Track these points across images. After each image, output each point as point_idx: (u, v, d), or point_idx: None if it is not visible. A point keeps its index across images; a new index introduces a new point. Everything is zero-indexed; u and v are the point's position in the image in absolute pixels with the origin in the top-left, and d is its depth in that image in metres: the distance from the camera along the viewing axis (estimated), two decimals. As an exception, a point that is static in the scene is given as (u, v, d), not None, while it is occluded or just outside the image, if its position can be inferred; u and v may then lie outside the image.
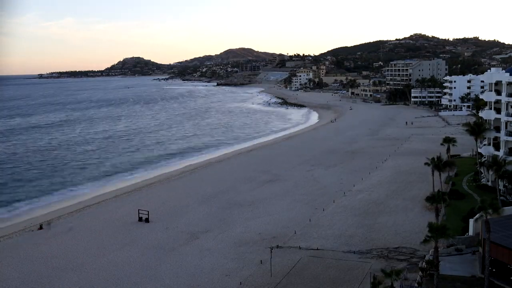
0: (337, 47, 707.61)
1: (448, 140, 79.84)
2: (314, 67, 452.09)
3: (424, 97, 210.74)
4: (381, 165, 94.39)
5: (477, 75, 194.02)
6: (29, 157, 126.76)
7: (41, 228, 65.05)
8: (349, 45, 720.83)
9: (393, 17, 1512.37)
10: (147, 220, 65.39)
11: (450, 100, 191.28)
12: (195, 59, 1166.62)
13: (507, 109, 67.34)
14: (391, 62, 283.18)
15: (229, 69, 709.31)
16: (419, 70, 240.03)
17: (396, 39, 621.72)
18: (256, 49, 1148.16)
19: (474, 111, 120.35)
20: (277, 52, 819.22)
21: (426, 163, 66.28)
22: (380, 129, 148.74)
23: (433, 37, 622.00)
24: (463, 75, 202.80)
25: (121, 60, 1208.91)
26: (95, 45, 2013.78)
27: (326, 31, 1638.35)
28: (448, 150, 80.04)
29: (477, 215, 46.36)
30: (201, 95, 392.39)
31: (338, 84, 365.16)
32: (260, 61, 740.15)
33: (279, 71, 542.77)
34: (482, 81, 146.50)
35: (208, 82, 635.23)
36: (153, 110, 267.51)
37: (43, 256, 54.25)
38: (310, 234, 57.21)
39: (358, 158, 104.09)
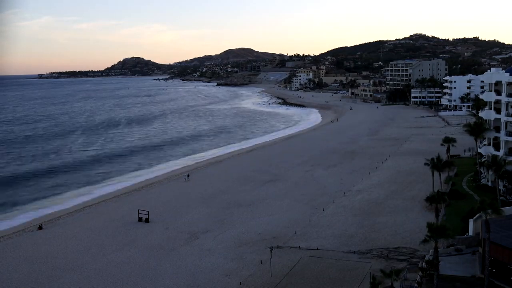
0: (337, 47, 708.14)
1: (448, 140, 79.91)
2: (314, 67, 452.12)
3: (424, 97, 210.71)
4: (381, 165, 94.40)
5: (477, 75, 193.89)
6: (30, 156, 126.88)
7: (41, 228, 65.05)
8: (349, 45, 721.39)
9: (393, 17, 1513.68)
10: (147, 220, 65.39)
11: (450, 100, 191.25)
12: (195, 59, 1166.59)
13: (507, 109, 67.36)
14: (391, 62, 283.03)
15: (229, 69, 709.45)
16: (419, 70, 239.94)
17: (396, 39, 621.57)
18: (256, 49, 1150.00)
19: (473, 111, 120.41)
20: (277, 52, 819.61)
21: (425, 163, 66.35)
22: (380, 129, 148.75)
23: (433, 37, 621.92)
24: (463, 75, 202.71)
25: (121, 60, 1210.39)
26: (95, 45, 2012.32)
27: (326, 31, 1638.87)
28: (448, 150, 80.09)
29: (477, 215, 46.37)
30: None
31: (338, 84, 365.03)
32: (260, 61, 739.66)
33: (279, 71, 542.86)
34: (482, 81, 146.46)
35: (208, 82, 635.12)
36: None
37: (43, 256, 54.24)
38: (310, 234, 57.23)
39: (358, 158, 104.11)
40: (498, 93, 69.11)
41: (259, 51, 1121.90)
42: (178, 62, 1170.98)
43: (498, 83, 69.32)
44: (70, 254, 54.55)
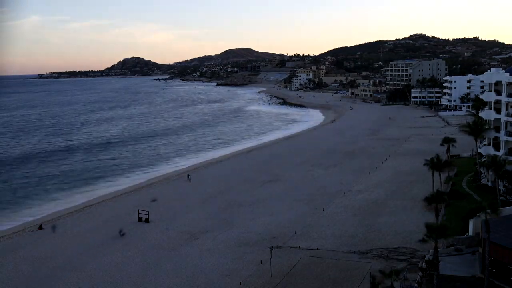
0: (337, 47, 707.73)
1: (448, 140, 79.96)
2: (314, 67, 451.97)
3: (424, 97, 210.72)
4: (381, 165, 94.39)
5: (477, 75, 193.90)
6: (30, 156, 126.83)
7: (41, 228, 65.05)
8: (349, 45, 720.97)
9: (393, 17, 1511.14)
10: (147, 220, 65.40)
11: (450, 100, 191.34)
12: (195, 59, 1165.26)
13: (507, 109, 67.40)
14: (391, 62, 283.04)
15: (229, 69, 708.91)
16: (419, 70, 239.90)
17: (396, 39, 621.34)
18: (256, 49, 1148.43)
19: (473, 111, 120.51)
20: (277, 52, 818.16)
21: (425, 164, 66.37)
22: (380, 129, 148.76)
23: (433, 37, 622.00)
24: (463, 75, 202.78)
25: (121, 60, 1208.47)
26: (95, 46, 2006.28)
27: (326, 31, 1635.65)
28: (448, 150, 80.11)
29: (477, 215, 46.37)
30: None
31: (338, 84, 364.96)
32: (260, 61, 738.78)
33: (279, 71, 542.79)
34: (482, 81, 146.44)
35: (208, 82, 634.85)
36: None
37: (43, 256, 54.26)
38: (310, 234, 57.22)
39: (358, 158, 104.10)
40: (498, 93, 69.13)
41: (259, 51, 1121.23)
42: (178, 62, 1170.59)
43: (498, 83, 69.34)
44: (70, 254, 54.57)
